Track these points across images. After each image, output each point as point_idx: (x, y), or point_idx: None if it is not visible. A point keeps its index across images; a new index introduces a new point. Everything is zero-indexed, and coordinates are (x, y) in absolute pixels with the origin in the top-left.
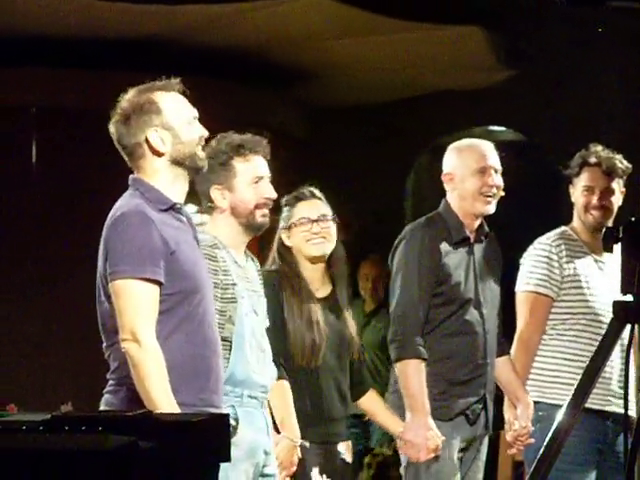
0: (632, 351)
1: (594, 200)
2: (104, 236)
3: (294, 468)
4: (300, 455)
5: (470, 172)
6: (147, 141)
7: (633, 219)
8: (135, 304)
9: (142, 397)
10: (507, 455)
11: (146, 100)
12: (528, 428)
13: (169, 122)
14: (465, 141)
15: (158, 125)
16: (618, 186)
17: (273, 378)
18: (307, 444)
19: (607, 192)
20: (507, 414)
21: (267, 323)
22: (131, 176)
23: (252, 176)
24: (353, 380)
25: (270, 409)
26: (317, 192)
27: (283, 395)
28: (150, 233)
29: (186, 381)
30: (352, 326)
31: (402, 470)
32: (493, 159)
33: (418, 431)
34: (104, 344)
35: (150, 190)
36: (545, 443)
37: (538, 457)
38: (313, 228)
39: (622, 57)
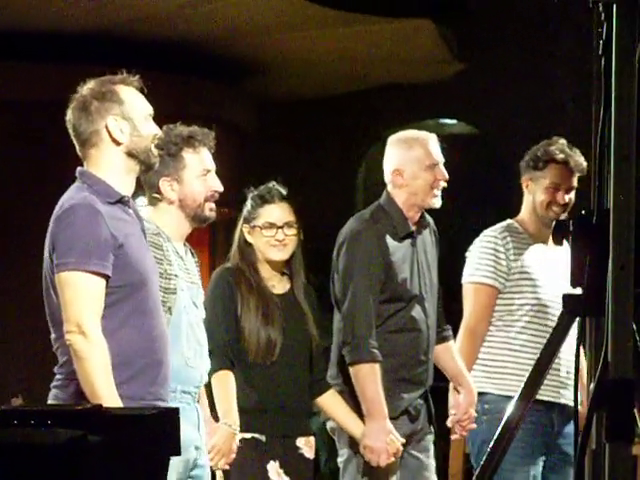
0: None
1: (559, 197)
2: (51, 228)
3: (233, 455)
4: (238, 443)
5: (422, 168)
6: (106, 129)
7: (583, 212)
8: (80, 296)
9: (85, 390)
10: (458, 448)
11: (107, 89)
12: (470, 414)
13: (129, 113)
14: (409, 134)
15: (118, 114)
16: (576, 183)
17: (207, 371)
18: (263, 438)
19: (570, 190)
20: (450, 399)
21: (204, 314)
22: (79, 169)
23: (201, 168)
24: (312, 377)
25: (212, 399)
26: (285, 193)
27: (226, 386)
28: (98, 226)
29: (135, 374)
30: (311, 322)
31: (339, 461)
32: (439, 152)
33: (378, 436)
34: (52, 336)
35: (98, 183)
36: (495, 437)
37: (488, 450)
38: (277, 235)
39: (572, 49)
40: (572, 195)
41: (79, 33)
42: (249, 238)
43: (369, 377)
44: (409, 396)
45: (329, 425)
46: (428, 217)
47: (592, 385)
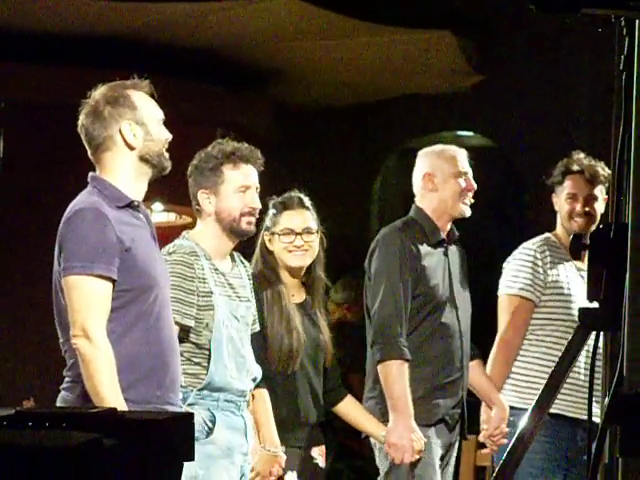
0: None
1: (578, 207)
2: (59, 232)
3: (272, 479)
4: (283, 465)
5: (453, 174)
6: (120, 134)
7: (600, 226)
8: (86, 301)
9: (90, 393)
10: (469, 460)
11: (120, 94)
12: (502, 429)
13: (142, 118)
14: (438, 146)
15: (132, 119)
16: (601, 193)
17: (256, 380)
18: (283, 449)
19: (590, 199)
20: (483, 415)
21: (257, 327)
22: (90, 174)
23: (239, 184)
24: (328, 386)
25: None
26: (306, 201)
27: (264, 405)
28: (104, 230)
29: (142, 378)
30: (326, 332)
31: (381, 478)
32: (467, 165)
33: (402, 433)
34: (60, 340)
35: (108, 187)
36: (508, 448)
37: (502, 461)
38: (296, 241)
39: (591, 63)
40: (596, 205)
41: (92, 37)
42: (269, 246)
43: (397, 375)
44: (445, 403)
45: (372, 440)
46: (456, 231)
47: (606, 399)
